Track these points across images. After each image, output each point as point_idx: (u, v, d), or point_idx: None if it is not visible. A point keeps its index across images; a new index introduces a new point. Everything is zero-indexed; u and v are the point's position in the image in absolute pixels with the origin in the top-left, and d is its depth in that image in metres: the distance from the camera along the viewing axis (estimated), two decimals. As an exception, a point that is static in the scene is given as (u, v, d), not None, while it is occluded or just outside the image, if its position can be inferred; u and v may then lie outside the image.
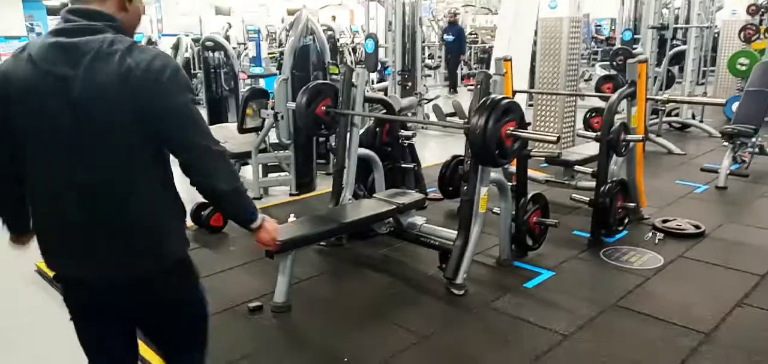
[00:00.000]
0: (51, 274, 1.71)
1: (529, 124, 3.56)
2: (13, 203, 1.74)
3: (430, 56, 15.79)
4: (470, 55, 16.05)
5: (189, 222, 4.49)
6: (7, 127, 1.53)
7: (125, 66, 1.44)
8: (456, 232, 3.53)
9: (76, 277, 1.64)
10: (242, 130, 5.45)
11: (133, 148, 1.51)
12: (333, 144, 4.36)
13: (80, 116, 1.46)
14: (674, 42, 8.67)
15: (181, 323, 1.79)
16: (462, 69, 13.88)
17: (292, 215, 4.46)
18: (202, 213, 4.46)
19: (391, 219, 3.91)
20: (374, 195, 4.11)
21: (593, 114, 6.18)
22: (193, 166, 1.57)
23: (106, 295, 1.63)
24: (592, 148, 4.84)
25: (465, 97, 9.76)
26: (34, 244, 1.72)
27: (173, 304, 1.72)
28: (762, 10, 9.81)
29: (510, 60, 4.67)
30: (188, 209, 4.59)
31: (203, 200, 5.02)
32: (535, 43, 7.24)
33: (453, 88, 13.32)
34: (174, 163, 1.61)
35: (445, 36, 13.51)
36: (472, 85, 4.01)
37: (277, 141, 5.47)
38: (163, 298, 1.68)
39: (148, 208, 1.57)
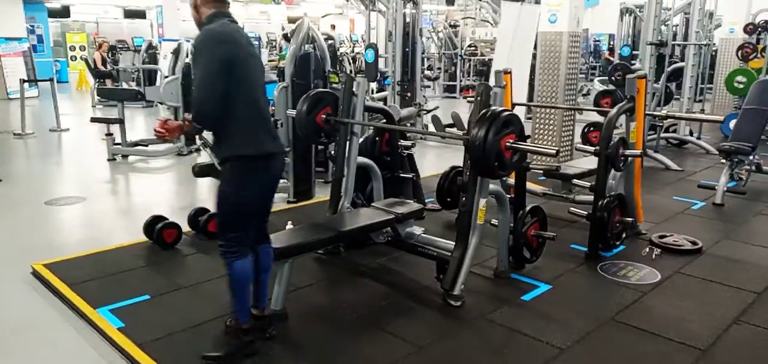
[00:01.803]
0: None
1: (528, 137, 3.57)
2: None
3: (430, 68, 15.85)
4: (469, 66, 16.12)
5: (186, 227, 4.47)
6: None
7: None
8: (454, 243, 3.53)
9: None
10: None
11: None
12: (332, 152, 4.36)
13: None
14: (672, 59, 8.72)
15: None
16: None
17: (289, 222, 4.46)
18: (200, 219, 4.46)
19: (389, 229, 3.91)
20: (372, 204, 4.11)
21: (591, 128, 6.21)
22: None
23: None
24: (591, 163, 4.85)
25: (464, 109, 9.79)
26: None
27: None
28: (759, 29, 9.91)
29: (510, 72, 4.68)
30: (186, 214, 4.61)
31: (201, 206, 4.99)
32: (534, 56, 7.28)
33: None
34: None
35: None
36: (471, 97, 4.01)
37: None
38: None
39: None
